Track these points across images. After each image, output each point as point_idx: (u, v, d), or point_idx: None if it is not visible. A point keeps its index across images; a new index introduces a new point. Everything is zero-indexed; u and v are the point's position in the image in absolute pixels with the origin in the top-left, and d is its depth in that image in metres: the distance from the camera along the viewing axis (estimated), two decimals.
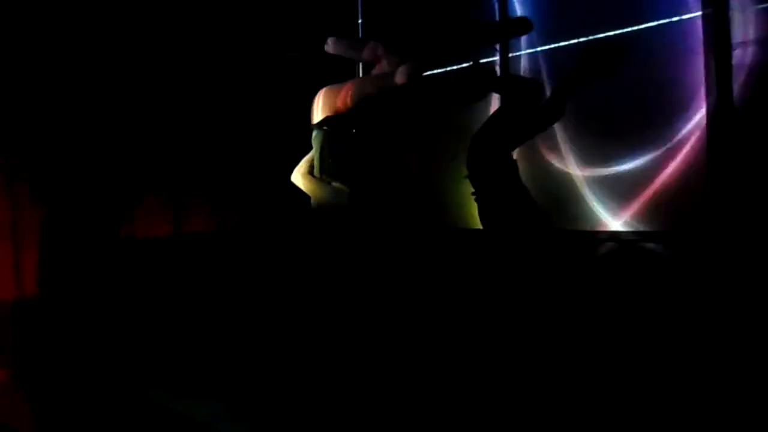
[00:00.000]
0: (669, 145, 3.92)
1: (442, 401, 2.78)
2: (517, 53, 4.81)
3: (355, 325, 3.38)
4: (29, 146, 4.46)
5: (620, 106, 4.12)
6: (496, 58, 4.88)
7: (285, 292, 3.78)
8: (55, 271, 4.01)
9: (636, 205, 4.09)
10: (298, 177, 3.73)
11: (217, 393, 3.28)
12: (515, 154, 3.41)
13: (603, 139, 4.23)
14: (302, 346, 3.43)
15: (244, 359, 3.52)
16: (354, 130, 3.68)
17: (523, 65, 4.77)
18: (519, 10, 4.68)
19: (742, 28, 3.60)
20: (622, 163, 4.13)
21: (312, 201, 3.68)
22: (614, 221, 4.18)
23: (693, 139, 3.82)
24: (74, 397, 3.45)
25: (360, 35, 5.69)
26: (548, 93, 3.56)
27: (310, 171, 3.66)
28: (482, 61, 4.84)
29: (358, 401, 2.93)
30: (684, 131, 3.87)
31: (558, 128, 4.36)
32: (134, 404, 3.28)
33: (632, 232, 4.07)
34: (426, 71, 3.38)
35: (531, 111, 3.28)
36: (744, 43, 3.59)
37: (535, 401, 2.68)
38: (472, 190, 3.27)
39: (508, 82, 3.78)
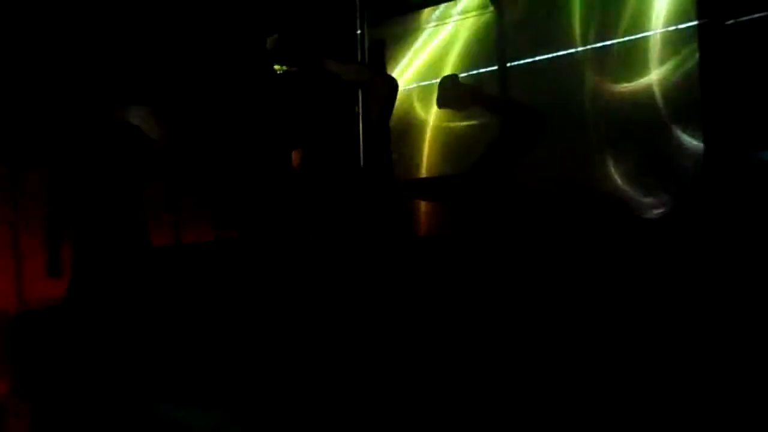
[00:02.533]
0: None
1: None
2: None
3: (355, 334, 3.39)
4: (31, 156, 4.49)
5: None
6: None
7: (286, 302, 3.79)
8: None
9: None
10: None
11: (218, 403, 3.29)
12: None
13: None
14: (303, 356, 3.43)
15: (244, 369, 3.52)
16: None
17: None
18: None
19: None
20: None
21: None
22: None
23: None
24: (74, 408, 3.45)
25: (359, 48, 5.73)
26: None
27: None
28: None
29: (358, 410, 2.94)
30: None
31: None
32: (135, 414, 3.29)
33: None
34: None
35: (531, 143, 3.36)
36: None
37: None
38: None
39: (509, 107, 3.80)
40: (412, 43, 5.43)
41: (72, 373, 3.67)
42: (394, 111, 5.45)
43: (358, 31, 5.75)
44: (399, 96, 5.50)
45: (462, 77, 4.93)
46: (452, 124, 5.13)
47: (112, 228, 3.80)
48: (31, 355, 4.01)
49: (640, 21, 4.05)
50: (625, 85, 4.13)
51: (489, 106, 3.80)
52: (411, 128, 5.48)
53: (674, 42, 3.91)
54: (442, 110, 5.06)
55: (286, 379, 3.28)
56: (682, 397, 2.74)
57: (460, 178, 3.63)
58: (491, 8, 4.88)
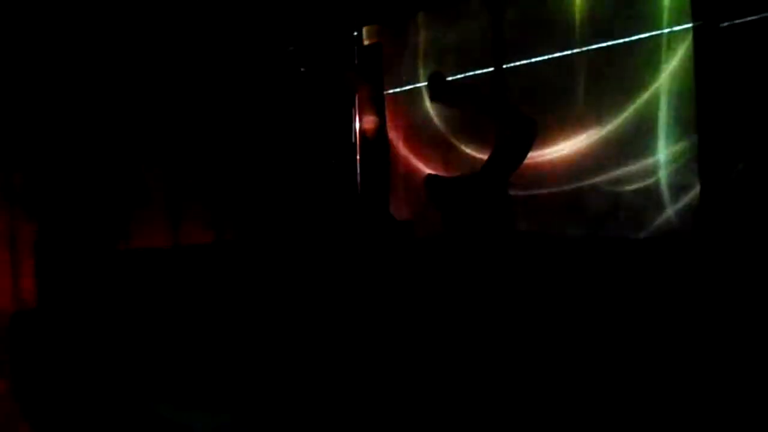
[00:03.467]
0: None
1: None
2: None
3: (354, 336, 3.40)
4: (27, 158, 4.47)
5: None
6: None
7: (284, 304, 3.80)
8: (53, 282, 4.02)
9: None
10: None
11: (216, 405, 3.29)
12: None
13: None
14: (301, 358, 3.44)
15: (243, 371, 3.53)
16: None
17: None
18: None
19: None
20: None
21: None
22: None
23: None
24: (72, 408, 3.45)
25: (356, 47, 5.76)
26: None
27: None
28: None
29: (358, 412, 2.95)
30: None
31: None
32: (133, 415, 3.29)
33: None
34: None
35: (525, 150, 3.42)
36: None
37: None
38: None
39: (505, 111, 3.84)
40: (408, 44, 5.46)
41: (69, 374, 3.66)
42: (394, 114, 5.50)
43: (355, 33, 5.79)
44: (397, 97, 5.56)
45: (459, 78, 4.98)
46: (448, 125, 5.17)
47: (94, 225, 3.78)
48: (28, 355, 3.99)
49: (635, 23, 4.09)
50: (621, 85, 4.17)
51: (479, 104, 3.88)
52: (410, 129, 5.52)
53: (669, 43, 3.96)
54: (437, 108, 5.13)
55: (288, 381, 3.29)
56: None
57: (459, 180, 3.67)
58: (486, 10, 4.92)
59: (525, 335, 3.11)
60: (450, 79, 4.63)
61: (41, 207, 4.42)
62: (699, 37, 3.77)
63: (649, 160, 4.03)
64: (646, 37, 4.05)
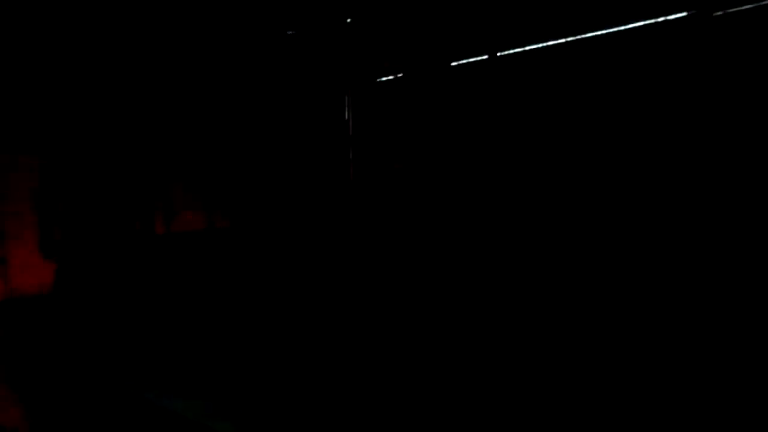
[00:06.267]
0: None
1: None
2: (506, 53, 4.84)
3: (344, 324, 3.40)
4: (24, 145, 4.46)
5: None
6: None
7: (276, 291, 3.79)
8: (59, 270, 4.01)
9: None
10: None
11: (208, 391, 3.29)
12: None
13: None
14: (292, 345, 3.44)
15: (234, 358, 3.53)
16: None
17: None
18: None
19: None
20: None
21: None
22: None
23: None
24: (65, 395, 3.45)
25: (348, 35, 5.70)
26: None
27: None
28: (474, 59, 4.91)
29: (348, 398, 2.95)
30: None
31: None
32: (125, 402, 3.29)
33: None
34: None
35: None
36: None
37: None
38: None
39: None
40: (401, 31, 5.41)
41: (59, 361, 3.66)
42: (388, 101, 5.45)
43: (348, 20, 5.72)
44: (388, 85, 5.50)
45: (453, 65, 4.94)
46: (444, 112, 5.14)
47: (102, 215, 3.78)
48: (19, 344, 3.99)
49: (629, 11, 4.05)
50: (615, 74, 4.14)
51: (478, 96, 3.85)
52: (400, 118, 5.48)
53: (662, 32, 3.93)
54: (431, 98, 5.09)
55: (276, 370, 3.29)
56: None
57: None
58: None
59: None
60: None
61: (42, 197, 4.41)
62: (692, 26, 3.75)
63: None
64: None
